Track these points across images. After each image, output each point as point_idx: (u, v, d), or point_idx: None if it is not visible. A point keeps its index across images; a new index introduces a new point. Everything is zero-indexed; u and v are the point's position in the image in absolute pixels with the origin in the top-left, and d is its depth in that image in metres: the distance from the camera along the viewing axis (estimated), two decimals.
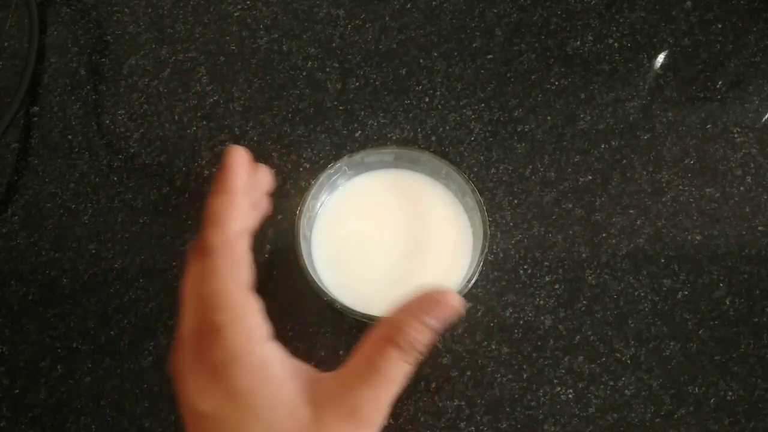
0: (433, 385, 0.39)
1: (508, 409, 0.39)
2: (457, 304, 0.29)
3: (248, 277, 0.29)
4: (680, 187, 0.44)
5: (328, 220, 0.39)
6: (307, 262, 0.36)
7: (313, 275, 0.36)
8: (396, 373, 0.27)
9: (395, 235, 0.39)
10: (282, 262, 0.41)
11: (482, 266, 0.36)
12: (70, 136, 0.47)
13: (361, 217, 0.40)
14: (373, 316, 0.35)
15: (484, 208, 0.37)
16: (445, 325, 0.29)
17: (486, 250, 0.36)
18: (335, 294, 0.37)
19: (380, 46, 0.49)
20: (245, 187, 0.30)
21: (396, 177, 0.40)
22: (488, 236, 0.36)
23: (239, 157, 0.31)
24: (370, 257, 0.39)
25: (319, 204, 0.39)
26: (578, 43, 0.49)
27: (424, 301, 0.29)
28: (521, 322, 0.40)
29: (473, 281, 0.36)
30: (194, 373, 0.27)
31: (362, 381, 0.27)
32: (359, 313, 0.35)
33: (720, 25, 0.49)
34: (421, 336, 0.28)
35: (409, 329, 0.28)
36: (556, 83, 0.47)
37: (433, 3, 0.51)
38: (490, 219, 0.43)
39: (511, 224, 0.43)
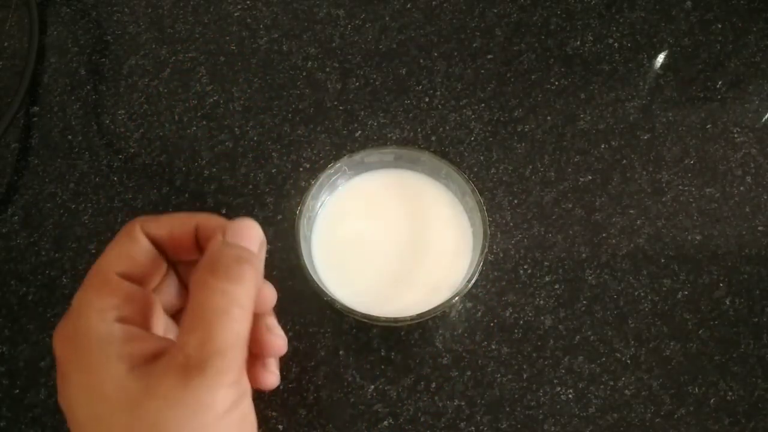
0: (433, 385, 0.39)
1: (508, 409, 0.39)
2: (255, 227, 0.27)
3: (133, 261, 0.27)
4: (680, 187, 0.44)
5: (328, 220, 0.39)
6: (307, 262, 0.36)
7: (313, 275, 0.36)
8: (221, 301, 0.25)
9: (395, 235, 0.39)
10: (282, 262, 0.41)
11: (482, 266, 0.36)
12: (70, 136, 0.47)
13: (361, 217, 0.40)
14: (373, 316, 0.35)
15: (484, 208, 0.37)
16: (251, 246, 0.27)
17: (486, 250, 0.36)
18: (335, 294, 0.36)
19: (380, 46, 0.49)
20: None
21: (396, 177, 0.40)
22: (488, 236, 0.36)
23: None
24: (370, 257, 0.39)
25: (319, 204, 0.39)
26: (578, 43, 0.49)
27: (228, 230, 0.27)
28: (521, 322, 0.40)
29: (473, 281, 0.36)
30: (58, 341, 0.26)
31: (187, 329, 0.24)
32: (359, 313, 0.35)
33: (720, 25, 0.49)
34: (236, 253, 0.26)
35: (220, 253, 0.26)
36: (556, 83, 0.47)
37: (433, 3, 0.51)
38: (490, 219, 0.43)
39: (511, 224, 0.43)
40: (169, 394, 0.23)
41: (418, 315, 0.35)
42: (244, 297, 0.25)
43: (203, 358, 0.24)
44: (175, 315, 0.30)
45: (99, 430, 0.24)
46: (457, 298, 0.35)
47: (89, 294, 0.26)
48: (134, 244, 0.27)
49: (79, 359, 0.25)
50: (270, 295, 0.29)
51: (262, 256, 0.28)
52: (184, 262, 0.30)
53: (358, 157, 0.39)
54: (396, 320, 0.35)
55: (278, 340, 0.29)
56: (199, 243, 0.28)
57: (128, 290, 0.26)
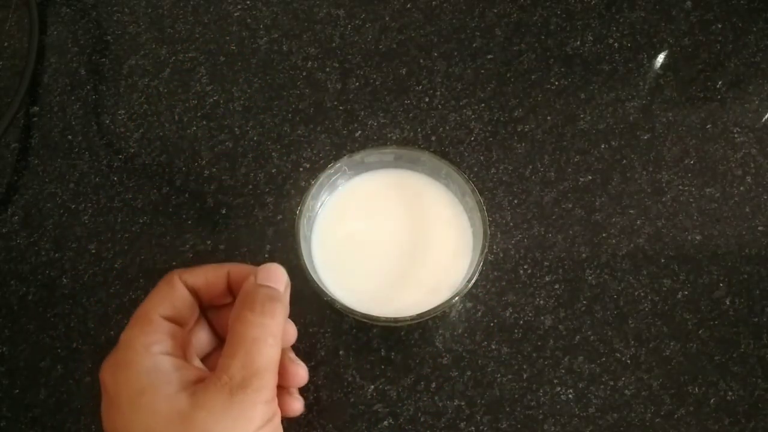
0: (433, 385, 0.39)
1: (508, 409, 0.39)
2: (282, 271, 0.32)
3: (173, 305, 0.32)
4: (680, 187, 0.44)
5: (328, 220, 0.39)
6: (307, 262, 0.36)
7: (313, 275, 0.36)
8: (257, 331, 0.30)
9: (395, 235, 0.39)
10: (282, 262, 0.41)
11: (482, 266, 0.36)
12: (70, 136, 0.47)
13: (361, 217, 0.40)
14: (372, 315, 0.35)
15: (484, 208, 0.37)
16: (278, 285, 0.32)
17: (486, 250, 0.36)
18: (335, 294, 0.36)
19: (380, 46, 0.49)
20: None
21: (396, 177, 0.40)
22: (488, 236, 0.36)
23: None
24: (370, 257, 0.39)
25: (319, 204, 0.39)
26: (578, 43, 0.49)
27: (259, 273, 0.32)
28: (521, 322, 0.40)
29: (473, 281, 0.36)
30: (107, 367, 0.30)
31: (230, 355, 0.29)
32: (359, 313, 0.35)
33: (720, 25, 0.49)
34: (267, 293, 0.31)
35: (255, 292, 0.31)
36: (556, 83, 0.47)
37: (433, 3, 0.51)
38: (490, 219, 0.43)
39: (511, 224, 0.43)
40: (215, 408, 0.28)
41: (418, 315, 0.35)
42: (275, 328, 0.30)
43: (245, 377, 0.28)
44: (205, 359, 0.34)
45: None
46: (457, 298, 0.35)
47: (135, 331, 0.30)
48: (174, 292, 0.32)
49: (131, 385, 0.29)
50: (292, 331, 0.34)
51: (288, 294, 0.32)
52: (215, 307, 0.34)
53: (358, 157, 0.39)
54: (396, 320, 0.35)
55: (300, 370, 0.34)
56: (231, 288, 0.33)
57: (169, 329, 0.31)
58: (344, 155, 0.39)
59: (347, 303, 0.36)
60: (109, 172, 0.46)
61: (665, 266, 0.42)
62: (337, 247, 0.39)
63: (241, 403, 0.28)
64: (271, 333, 0.30)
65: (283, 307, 0.31)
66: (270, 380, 0.30)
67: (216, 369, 0.29)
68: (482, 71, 0.48)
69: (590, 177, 0.44)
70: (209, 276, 0.33)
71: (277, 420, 0.30)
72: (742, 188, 0.44)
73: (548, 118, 0.46)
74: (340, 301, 0.36)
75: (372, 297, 0.37)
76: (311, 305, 0.40)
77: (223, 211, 0.44)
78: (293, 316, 0.34)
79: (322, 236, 0.39)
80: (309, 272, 0.36)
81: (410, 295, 0.37)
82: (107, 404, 0.30)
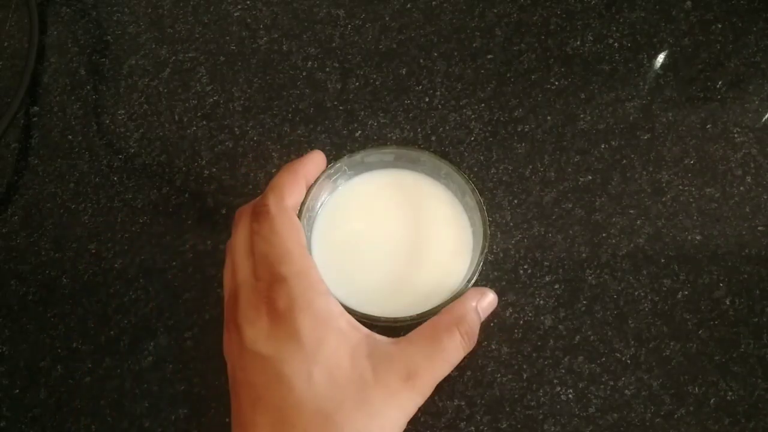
0: None
1: (508, 409, 0.39)
2: (494, 299, 0.34)
3: (304, 240, 0.32)
4: (680, 187, 0.44)
5: (328, 220, 0.39)
6: None
7: None
8: (455, 353, 0.31)
9: (395, 235, 0.39)
10: None
11: (482, 266, 0.36)
12: (70, 136, 0.47)
13: (361, 217, 0.40)
14: (372, 315, 0.35)
15: (485, 207, 0.37)
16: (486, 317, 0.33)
17: (486, 250, 0.36)
18: (335, 294, 0.36)
19: (380, 46, 0.49)
20: (308, 176, 0.35)
21: (396, 177, 0.40)
22: (488, 236, 0.36)
23: (317, 157, 0.36)
24: (370, 257, 0.39)
25: (319, 204, 0.39)
26: (578, 43, 0.49)
27: (475, 296, 0.33)
28: (521, 322, 0.40)
29: (473, 281, 0.36)
30: (257, 318, 0.29)
31: (423, 353, 0.30)
32: (359, 313, 0.35)
33: (720, 25, 0.49)
34: (476, 326, 0.32)
35: (471, 317, 0.32)
36: (556, 83, 0.47)
37: (433, 3, 0.51)
38: (490, 219, 0.43)
39: (511, 224, 0.43)
40: (390, 389, 0.28)
41: (418, 315, 0.35)
42: (458, 360, 0.31)
43: (425, 385, 0.29)
44: None
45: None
46: (456, 298, 0.35)
47: (304, 280, 0.30)
48: (299, 227, 0.32)
49: (317, 326, 0.29)
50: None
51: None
52: None
53: (358, 157, 0.39)
54: (396, 320, 0.35)
55: None
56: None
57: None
58: (344, 155, 0.39)
59: (347, 303, 0.36)
60: (109, 172, 0.46)
61: (665, 266, 0.42)
62: (336, 247, 0.39)
63: (410, 402, 0.29)
64: (454, 363, 0.31)
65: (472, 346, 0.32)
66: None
67: (400, 346, 0.30)
68: (482, 71, 0.48)
69: (590, 177, 0.44)
70: (301, 189, 0.34)
71: None
72: (742, 188, 0.44)
73: (548, 118, 0.46)
74: (339, 301, 0.36)
75: (372, 297, 0.37)
76: None
77: (223, 211, 0.44)
78: None
79: (321, 236, 0.39)
80: None
81: (410, 295, 0.37)
82: (281, 344, 0.28)
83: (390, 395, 0.28)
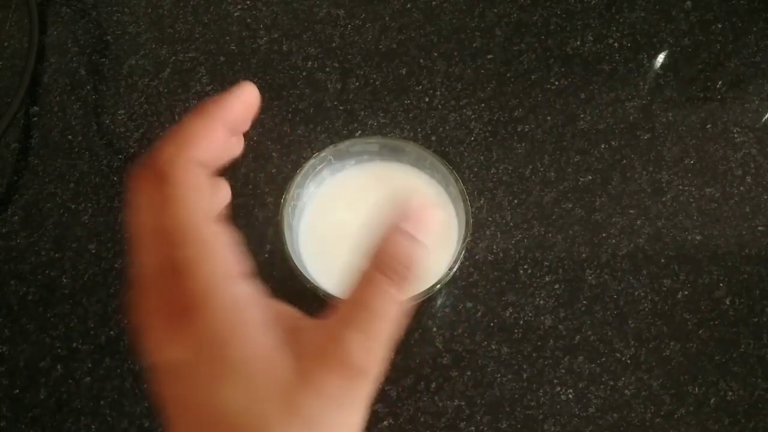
0: (433, 385, 0.39)
1: (508, 409, 0.39)
2: (436, 213, 0.25)
3: (213, 207, 0.25)
4: (680, 187, 0.44)
5: (314, 210, 0.40)
6: (291, 251, 0.37)
7: (297, 263, 0.36)
8: (386, 305, 0.24)
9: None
10: (282, 262, 0.41)
11: (464, 254, 0.36)
12: (70, 136, 0.47)
13: (346, 207, 0.40)
14: None
15: (467, 197, 0.37)
16: (428, 236, 0.25)
17: (468, 239, 0.36)
18: (320, 282, 0.37)
19: (380, 46, 0.49)
20: (234, 119, 0.26)
21: (381, 168, 0.41)
22: (470, 225, 0.36)
23: (246, 93, 0.27)
24: (355, 247, 0.39)
25: (304, 193, 0.40)
26: (578, 43, 0.49)
27: (401, 215, 0.25)
28: (521, 322, 0.40)
29: (455, 269, 0.36)
30: (158, 320, 0.23)
31: (350, 324, 0.23)
32: (342, 299, 0.36)
33: (720, 25, 0.49)
34: (407, 252, 0.24)
35: (392, 247, 0.24)
36: (556, 83, 0.47)
37: (433, 3, 0.51)
38: (490, 219, 0.43)
39: (511, 224, 0.43)
40: (327, 393, 0.22)
41: None
42: (396, 309, 0.24)
43: (369, 365, 0.23)
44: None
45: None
46: (439, 286, 0.35)
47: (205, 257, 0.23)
48: (208, 191, 0.24)
49: (208, 333, 0.22)
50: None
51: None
52: None
53: (342, 146, 0.39)
54: None
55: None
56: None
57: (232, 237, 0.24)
58: (329, 145, 0.39)
59: (332, 292, 0.36)
60: (109, 172, 0.46)
61: (665, 266, 0.42)
62: (322, 237, 0.39)
63: (358, 392, 0.23)
64: (401, 310, 0.24)
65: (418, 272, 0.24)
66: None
67: (327, 329, 0.23)
68: (482, 71, 0.48)
69: (590, 177, 0.44)
70: (217, 138, 0.25)
71: None
72: (742, 188, 0.44)
73: (548, 118, 0.46)
74: (323, 289, 0.36)
75: None
76: (311, 305, 0.40)
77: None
78: None
79: (308, 226, 0.39)
80: (293, 261, 0.36)
81: None
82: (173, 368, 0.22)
83: (326, 395, 0.22)
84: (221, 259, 0.23)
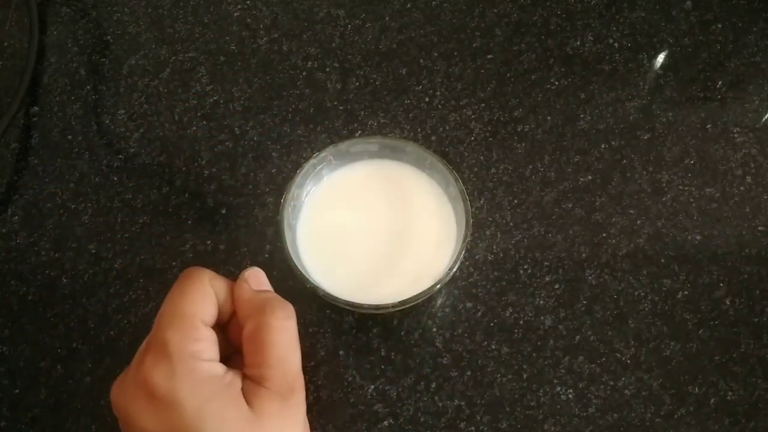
0: (433, 385, 0.39)
1: (508, 409, 0.39)
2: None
3: (211, 312, 0.31)
4: (680, 187, 0.44)
5: (313, 209, 0.40)
6: (291, 251, 0.37)
7: (297, 263, 0.36)
8: (285, 337, 0.31)
9: (379, 225, 0.39)
10: (282, 262, 0.41)
11: (464, 255, 0.36)
12: (70, 136, 0.47)
13: (346, 207, 0.40)
14: (355, 303, 0.36)
15: (467, 197, 0.37)
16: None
17: (468, 239, 0.36)
18: (319, 281, 0.37)
19: (380, 46, 0.49)
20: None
21: (381, 167, 0.41)
22: (470, 225, 0.36)
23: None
24: (354, 246, 0.39)
25: (304, 193, 0.40)
26: (578, 43, 0.49)
27: (250, 281, 0.33)
28: (521, 322, 0.40)
29: (455, 269, 0.36)
30: (136, 395, 0.29)
31: (266, 365, 0.30)
32: (342, 300, 0.36)
33: (720, 25, 0.49)
34: (276, 298, 0.32)
35: (268, 299, 0.32)
36: (556, 83, 0.47)
37: (433, 3, 0.51)
38: (490, 219, 0.43)
39: (511, 224, 0.43)
40: (273, 413, 0.30)
41: (399, 302, 0.35)
42: (295, 329, 0.32)
43: (291, 385, 0.31)
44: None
45: None
46: (438, 286, 0.35)
47: (183, 339, 0.30)
48: (208, 298, 0.31)
49: (196, 393, 0.29)
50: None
51: None
52: None
53: (343, 146, 0.39)
54: (378, 307, 0.36)
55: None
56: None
57: (210, 335, 0.31)
58: (329, 145, 0.39)
59: (331, 291, 0.36)
60: (109, 172, 0.46)
61: (665, 266, 0.42)
62: (322, 237, 0.39)
63: (294, 406, 0.31)
64: (295, 335, 0.32)
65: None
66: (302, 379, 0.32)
67: (253, 378, 0.30)
68: (482, 71, 0.48)
69: (590, 177, 0.44)
70: (229, 289, 0.33)
71: None
72: (742, 188, 0.44)
73: (548, 118, 0.46)
74: (323, 288, 0.36)
75: (355, 285, 0.38)
76: (311, 305, 0.40)
77: (223, 211, 0.44)
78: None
79: (307, 225, 0.39)
80: (292, 260, 0.36)
81: (393, 284, 0.38)
82: (164, 415, 0.29)
83: (274, 418, 0.30)
84: (198, 346, 0.30)
